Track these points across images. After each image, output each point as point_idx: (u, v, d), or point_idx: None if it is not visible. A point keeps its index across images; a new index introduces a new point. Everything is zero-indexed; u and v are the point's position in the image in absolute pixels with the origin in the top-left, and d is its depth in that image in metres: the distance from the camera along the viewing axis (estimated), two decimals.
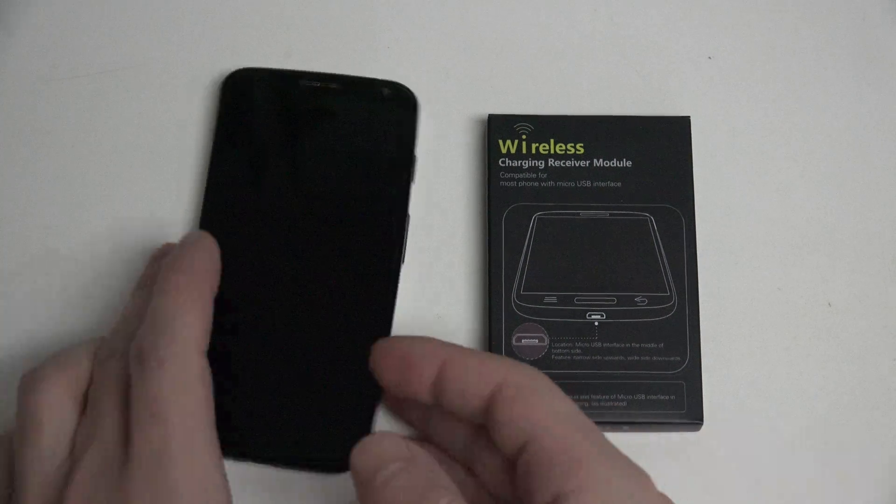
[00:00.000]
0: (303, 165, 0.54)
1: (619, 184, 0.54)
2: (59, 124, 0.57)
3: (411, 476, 0.41)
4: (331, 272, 0.52)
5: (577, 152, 0.54)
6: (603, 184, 0.54)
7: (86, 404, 0.46)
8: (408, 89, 0.55)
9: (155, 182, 0.55)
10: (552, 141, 0.54)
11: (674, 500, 0.44)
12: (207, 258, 0.49)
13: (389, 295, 0.52)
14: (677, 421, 0.51)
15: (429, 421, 0.49)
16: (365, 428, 0.50)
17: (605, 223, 0.53)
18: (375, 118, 0.55)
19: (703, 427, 0.51)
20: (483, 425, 0.44)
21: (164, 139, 0.56)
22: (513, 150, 0.54)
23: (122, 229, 0.55)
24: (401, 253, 0.53)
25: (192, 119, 0.56)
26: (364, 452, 0.42)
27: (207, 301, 0.47)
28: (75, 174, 0.56)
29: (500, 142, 0.54)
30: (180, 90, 0.57)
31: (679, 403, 0.51)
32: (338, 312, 0.51)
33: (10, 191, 0.55)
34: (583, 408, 0.50)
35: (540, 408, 0.43)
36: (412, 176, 0.54)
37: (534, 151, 0.54)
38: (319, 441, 0.50)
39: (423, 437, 0.50)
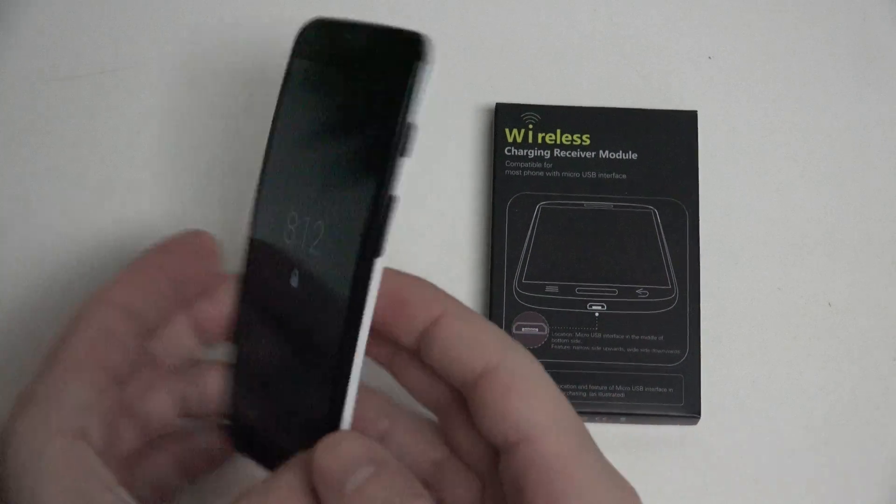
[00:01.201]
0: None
1: (623, 176, 0.54)
2: (59, 124, 0.57)
3: (385, 482, 0.37)
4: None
5: (584, 143, 0.54)
6: (608, 175, 0.54)
7: None
8: (413, 37, 0.40)
9: (155, 182, 0.55)
10: (559, 131, 0.54)
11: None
12: (177, 245, 0.45)
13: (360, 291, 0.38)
14: (675, 414, 0.51)
15: (403, 369, 0.44)
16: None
17: (608, 215, 0.53)
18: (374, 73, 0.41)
19: (702, 423, 0.51)
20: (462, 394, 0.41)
21: (164, 139, 0.56)
22: (519, 140, 0.54)
23: (122, 229, 0.55)
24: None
25: (192, 119, 0.56)
26: (330, 452, 0.38)
27: (149, 269, 0.44)
28: (75, 174, 0.56)
29: (507, 130, 0.54)
30: (180, 90, 0.57)
31: (677, 396, 0.51)
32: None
33: (10, 190, 0.55)
34: (581, 398, 0.50)
35: (536, 405, 0.40)
36: (403, 149, 0.38)
37: (540, 141, 0.54)
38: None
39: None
